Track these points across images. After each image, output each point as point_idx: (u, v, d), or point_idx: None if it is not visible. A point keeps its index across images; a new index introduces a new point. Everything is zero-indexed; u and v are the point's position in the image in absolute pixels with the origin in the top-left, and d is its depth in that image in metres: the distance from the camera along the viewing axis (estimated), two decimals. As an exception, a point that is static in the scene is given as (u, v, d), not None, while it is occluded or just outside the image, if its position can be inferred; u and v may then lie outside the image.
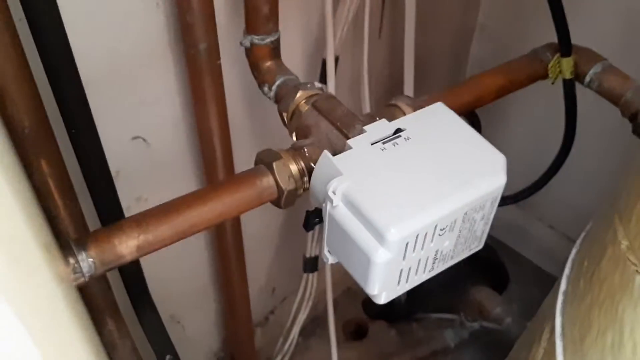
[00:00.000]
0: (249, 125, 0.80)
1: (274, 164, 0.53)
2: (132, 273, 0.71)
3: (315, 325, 1.28)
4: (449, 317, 1.27)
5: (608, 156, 1.14)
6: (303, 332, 1.25)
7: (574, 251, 0.63)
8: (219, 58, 0.63)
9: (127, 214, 0.72)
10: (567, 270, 0.60)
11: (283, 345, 1.13)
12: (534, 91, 0.89)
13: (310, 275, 1.01)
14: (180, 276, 0.90)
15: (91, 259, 0.47)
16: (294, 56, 0.81)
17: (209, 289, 0.97)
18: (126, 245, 0.48)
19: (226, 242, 0.83)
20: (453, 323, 1.24)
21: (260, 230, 0.99)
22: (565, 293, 0.58)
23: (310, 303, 1.07)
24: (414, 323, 1.31)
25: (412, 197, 0.47)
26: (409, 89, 0.98)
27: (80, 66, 0.57)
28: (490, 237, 1.58)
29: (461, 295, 1.23)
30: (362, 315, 1.33)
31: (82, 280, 0.47)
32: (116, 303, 0.70)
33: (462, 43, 1.22)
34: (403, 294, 1.34)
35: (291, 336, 1.11)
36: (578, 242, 0.64)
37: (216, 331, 1.06)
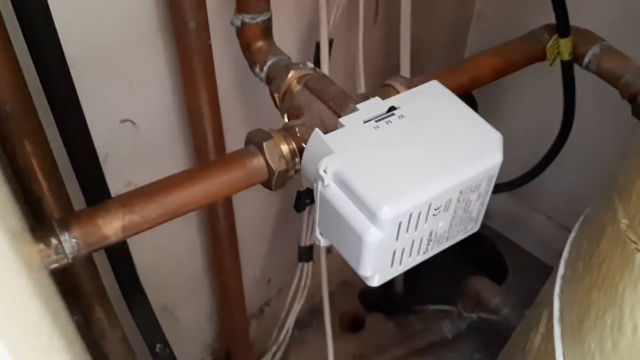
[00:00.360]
0: (241, 107, 0.79)
1: (265, 144, 0.52)
2: (121, 260, 0.69)
3: (311, 316, 1.27)
4: (447, 309, 1.26)
5: (606, 147, 1.12)
6: (299, 324, 1.24)
7: (572, 234, 0.61)
8: (209, 38, 0.62)
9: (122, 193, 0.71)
10: (565, 255, 0.59)
11: (278, 337, 1.12)
12: (531, 76, 0.87)
13: (305, 265, 1.00)
14: (172, 266, 0.88)
15: (74, 240, 0.46)
16: (287, 39, 0.79)
17: (203, 279, 0.96)
18: (111, 226, 0.47)
19: (219, 231, 0.82)
20: (451, 314, 1.23)
21: (255, 219, 0.98)
22: (564, 277, 0.56)
23: (305, 293, 1.05)
24: (411, 315, 1.30)
25: (405, 175, 0.45)
26: (405, 74, 0.96)
27: (65, 44, 0.55)
28: (488, 228, 1.57)
29: (459, 286, 1.21)
30: (358, 307, 1.32)
31: (65, 261, 0.46)
32: (105, 291, 0.68)
33: (460, 29, 1.21)
34: (400, 286, 1.32)
35: (286, 327, 1.09)
36: (577, 225, 0.63)
37: (210, 322, 1.05)
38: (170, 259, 0.86)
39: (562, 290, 0.55)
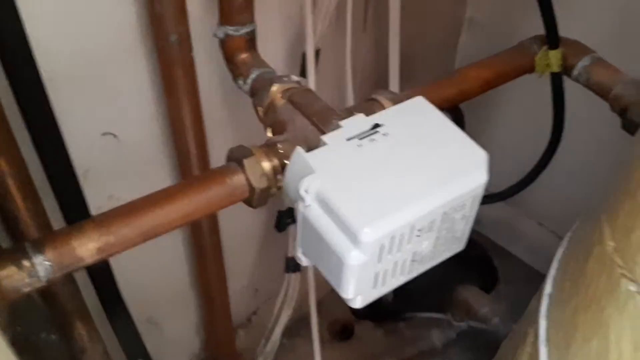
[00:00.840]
0: (226, 119, 0.77)
1: (245, 162, 0.51)
2: (102, 275, 0.68)
3: (300, 325, 1.25)
4: (437, 317, 1.25)
5: (598, 152, 1.11)
6: (288, 333, 1.23)
7: (560, 250, 0.60)
8: (191, 50, 0.60)
9: (98, 213, 0.69)
10: (552, 271, 0.58)
11: (265, 347, 1.11)
12: (522, 83, 0.86)
13: (293, 275, 0.99)
14: (157, 278, 0.87)
15: (48, 262, 0.45)
16: (274, 49, 0.78)
17: (188, 291, 0.95)
18: (86, 248, 0.45)
19: (203, 242, 0.81)
20: (440, 323, 1.22)
21: (241, 229, 0.96)
22: (551, 296, 0.55)
23: (292, 304, 1.04)
24: (401, 323, 1.29)
25: (387, 196, 0.44)
26: (394, 83, 0.95)
27: (42, 59, 0.54)
28: (479, 234, 1.56)
29: (449, 294, 1.21)
30: (348, 315, 1.30)
31: (39, 284, 0.45)
32: (86, 306, 0.67)
33: (451, 36, 1.20)
34: (390, 293, 1.32)
35: (273, 337, 1.08)
36: (564, 241, 0.62)
37: (196, 333, 1.04)
38: (155, 271, 0.85)
39: (548, 310, 0.54)
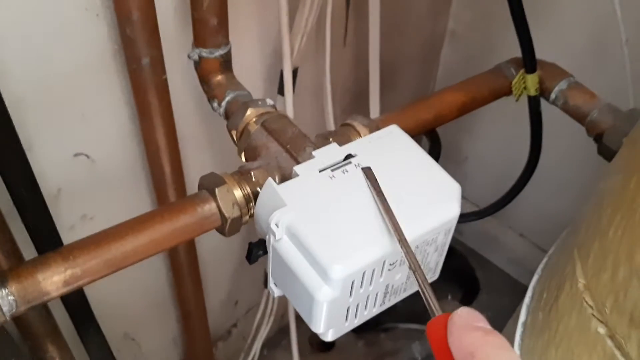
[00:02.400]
0: (202, 141, 0.76)
1: (217, 190, 0.50)
2: (73, 295, 0.67)
3: (281, 336, 1.25)
4: (418, 328, 1.25)
5: (579, 165, 1.12)
6: (268, 344, 1.22)
7: (535, 278, 0.60)
8: (164, 73, 0.59)
9: (71, 234, 0.68)
10: (527, 299, 0.58)
11: (245, 359, 1.10)
12: (502, 102, 0.86)
13: (272, 289, 0.98)
14: (132, 293, 0.86)
15: (12, 297, 0.43)
16: (251, 67, 0.77)
17: (165, 304, 0.94)
18: (51, 281, 0.44)
19: (179, 258, 0.80)
20: (421, 334, 1.22)
21: (220, 242, 0.95)
22: (525, 324, 0.55)
23: (272, 315, 1.04)
24: (382, 334, 1.29)
25: (359, 231, 0.44)
26: (374, 98, 0.95)
27: (9, 81, 0.53)
28: (460, 244, 1.56)
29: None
30: (329, 326, 1.30)
31: (2, 319, 0.44)
32: (58, 328, 0.66)
33: (432, 50, 1.20)
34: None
35: (253, 349, 1.08)
36: (540, 267, 0.62)
37: (174, 347, 1.03)
38: (130, 287, 0.84)
39: (522, 339, 0.54)
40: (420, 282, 0.38)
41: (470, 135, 1.28)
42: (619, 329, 0.37)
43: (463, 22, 1.15)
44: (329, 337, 0.48)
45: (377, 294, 0.47)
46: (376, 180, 0.46)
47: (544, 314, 0.51)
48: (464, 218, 0.89)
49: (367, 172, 0.46)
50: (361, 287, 0.44)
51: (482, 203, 0.98)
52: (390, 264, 0.45)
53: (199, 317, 0.90)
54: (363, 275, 0.44)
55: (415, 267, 0.39)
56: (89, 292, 0.70)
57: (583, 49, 0.98)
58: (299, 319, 1.05)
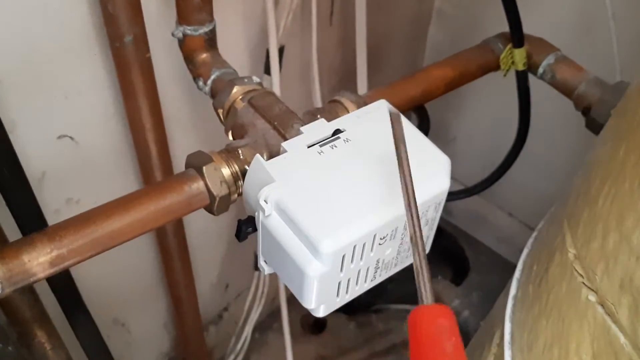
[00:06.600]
0: (189, 120, 0.76)
1: (204, 168, 0.49)
2: (61, 279, 0.66)
3: (272, 319, 1.25)
4: (409, 308, 1.25)
5: (567, 143, 1.12)
6: (260, 327, 1.22)
7: (525, 252, 0.60)
8: (147, 51, 0.58)
9: (56, 216, 0.67)
10: (517, 273, 0.58)
11: (237, 342, 1.10)
12: (490, 76, 0.86)
13: (262, 272, 0.98)
14: (121, 278, 0.85)
15: (-4, 279, 0.43)
16: (236, 46, 0.76)
17: (155, 289, 0.93)
18: (37, 262, 0.44)
19: (168, 242, 0.79)
20: (412, 315, 1.23)
21: (209, 225, 0.95)
22: (515, 298, 0.55)
23: (263, 299, 1.04)
24: (373, 315, 1.29)
25: (348, 205, 0.43)
26: (362, 77, 0.94)
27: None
28: (449, 224, 1.56)
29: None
30: (320, 308, 1.30)
31: (-12, 301, 0.43)
32: (46, 313, 0.65)
33: (419, 28, 1.19)
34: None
35: (244, 334, 1.08)
36: (530, 241, 0.62)
37: (165, 332, 1.02)
38: (119, 272, 0.83)
39: (513, 312, 0.54)
40: (418, 250, 0.38)
41: (459, 115, 1.28)
42: (610, 295, 0.37)
43: (449, 0, 1.15)
44: (320, 312, 0.48)
45: (368, 269, 0.47)
46: (402, 129, 0.44)
47: (534, 287, 0.51)
48: (453, 195, 0.89)
49: (394, 117, 0.44)
50: (352, 261, 0.44)
51: (470, 183, 0.98)
52: (381, 238, 0.45)
53: (189, 301, 0.89)
54: (353, 250, 0.43)
55: (415, 226, 0.38)
56: (77, 276, 0.69)
57: (570, 24, 0.98)
58: (290, 301, 1.05)
